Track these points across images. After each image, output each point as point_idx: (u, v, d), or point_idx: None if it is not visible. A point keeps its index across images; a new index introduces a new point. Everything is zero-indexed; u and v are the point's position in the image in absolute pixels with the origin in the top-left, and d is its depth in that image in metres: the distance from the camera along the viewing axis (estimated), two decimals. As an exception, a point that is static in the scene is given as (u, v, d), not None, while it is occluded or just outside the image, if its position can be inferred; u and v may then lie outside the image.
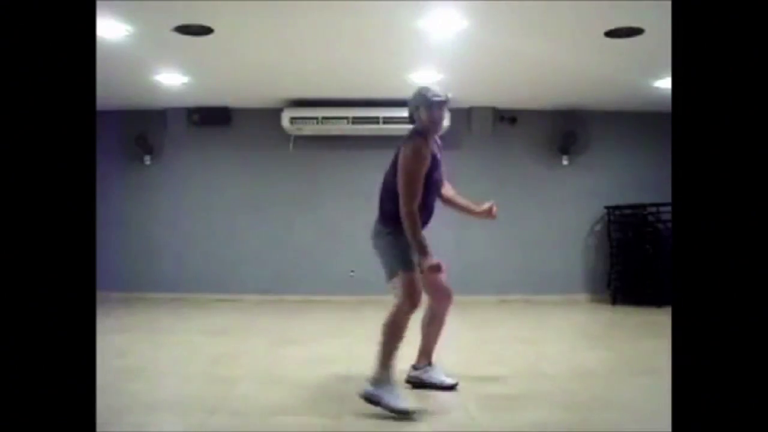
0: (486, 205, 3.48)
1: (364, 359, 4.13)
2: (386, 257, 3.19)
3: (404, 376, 3.43)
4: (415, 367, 3.47)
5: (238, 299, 7.11)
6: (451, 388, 3.40)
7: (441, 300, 3.36)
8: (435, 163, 3.18)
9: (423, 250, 3.02)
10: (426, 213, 3.18)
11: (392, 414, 2.93)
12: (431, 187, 3.20)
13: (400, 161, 3.11)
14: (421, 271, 3.10)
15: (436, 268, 3.03)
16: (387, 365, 3.03)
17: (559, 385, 3.55)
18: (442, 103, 3.22)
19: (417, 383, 3.44)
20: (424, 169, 3.09)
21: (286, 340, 4.98)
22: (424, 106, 3.19)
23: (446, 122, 3.29)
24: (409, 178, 3.05)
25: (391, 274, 3.14)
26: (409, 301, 3.04)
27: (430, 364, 3.47)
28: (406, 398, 3.04)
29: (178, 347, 4.73)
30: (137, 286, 7.16)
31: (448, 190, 3.48)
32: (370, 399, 3.00)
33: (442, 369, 3.49)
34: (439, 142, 3.35)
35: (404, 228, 3.05)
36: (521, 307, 6.81)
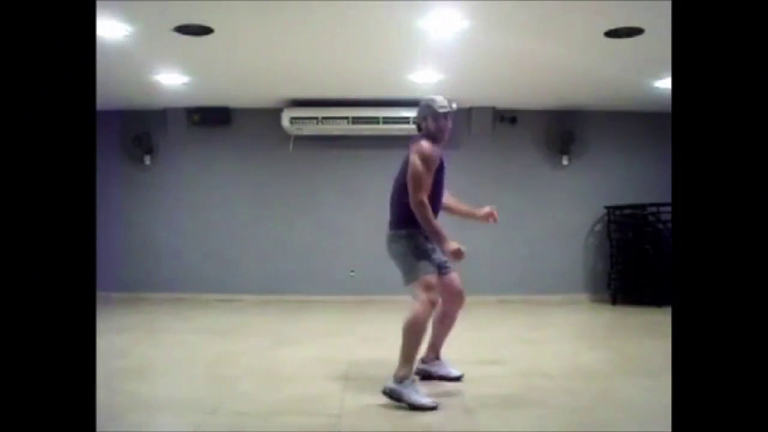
0: (486, 209, 3.59)
1: (365, 359, 4.15)
2: (405, 262, 3.26)
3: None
4: (423, 361, 3.59)
5: (238, 299, 7.11)
6: (457, 379, 3.55)
7: (453, 301, 3.47)
8: (442, 167, 3.30)
9: (440, 237, 3.15)
10: (435, 215, 3.25)
11: (413, 409, 3.02)
12: (437, 189, 3.29)
13: (410, 158, 3.22)
14: (441, 271, 3.29)
15: (458, 252, 3.11)
16: (410, 364, 3.14)
17: (559, 385, 3.55)
18: (448, 114, 3.34)
19: (425, 375, 3.56)
20: (432, 166, 3.19)
21: (286, 340, 4.98)
22: (432, 117, 3.32)
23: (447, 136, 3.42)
24: (416, 170, 3.17)
25: (409, 279, 3.23)
26: (429, 304, 3.16)
27: (437, 358, 3.62)
28: (425, 394, 3.12)
29: (178, 347, 4.72)
30: (137, 286, 7.17)
31: (448, 198, 3.55)
32: (392, 395, 3.08)
33: (449, 362, 3.64)
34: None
35: (418, 219, 3.14)
36: (521, 307, 6.81)
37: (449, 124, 3.36)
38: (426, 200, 3.14)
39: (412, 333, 3.12)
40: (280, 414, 3.02)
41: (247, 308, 6.72)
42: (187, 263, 7.30)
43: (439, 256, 3.33)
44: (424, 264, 3.20)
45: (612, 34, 4.55)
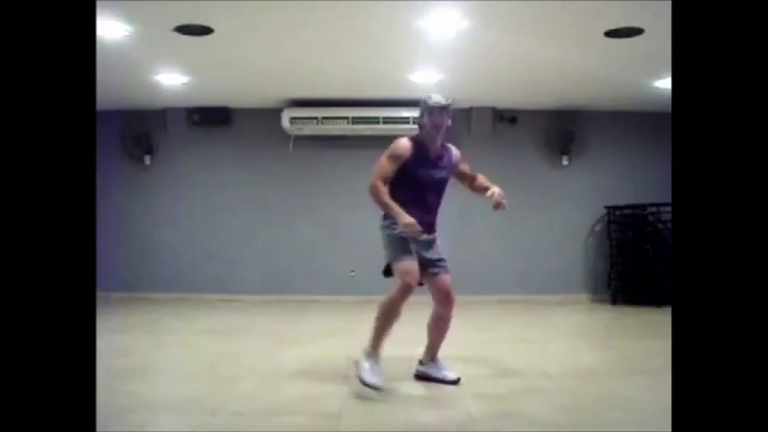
0: (489, 193, 3.53)
1: (364, 359, 4.13)
2: (385, 250, 3.45)
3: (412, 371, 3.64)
4: (421, 363, 3.62)
5: (238, 299, 7.11)
6: (453, 382, 3.51)
7: (442, 302, 3.49)
8: (419, 162, 3.38)
9: (393, 211, 3.29)
10: (415, 207, 3.33)
11: (362, 384, 3.28)
12: (414, 183, 3.39)
13: None
14: (431, 270, 3.40)
15: (411, 225, 3.22)
16: (376, 341, 3.37)
17: (559, 385, 3.55)
18: (441, 108, 3.39)
19: (423, 377, 3.59)
20: (395, 157, 3.38)
21: (286, 340, 4.98)
22: (427, 113, 3.40)
23: (441, 132, 3.45)
24: (380, 159, 3.41)
25: (386, 268, 3.44)
26: (402, 287, 3.29)
27: (433, 360, 3.61)
28: (378, 375, 3.31)
29: (178, 347, 4.72)
30: (137, 286, 7.16)
31: (479, 179, 3.66)
32: (356, 366, 3.39)
33: (445, 365, 3.60)
34: (452, 150, 3.58)
35: (373, 201, 3.39)
36: (521, 307, 6.81)
37: (444, 119, 3.39)
38: (379, 184, 3.35)
39: (383, 314, 3.35)
40: (280, 414, 3.02)
41: (247, 308, 6.72)
42: (187, 263, 7.29)
43: (430, 254, 3.42)
44: (399, 252, 3.34)
45: (612, 34, 4.55)
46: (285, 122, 6.88)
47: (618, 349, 4.69)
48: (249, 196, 7.39)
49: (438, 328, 3.55)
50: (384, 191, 3.34)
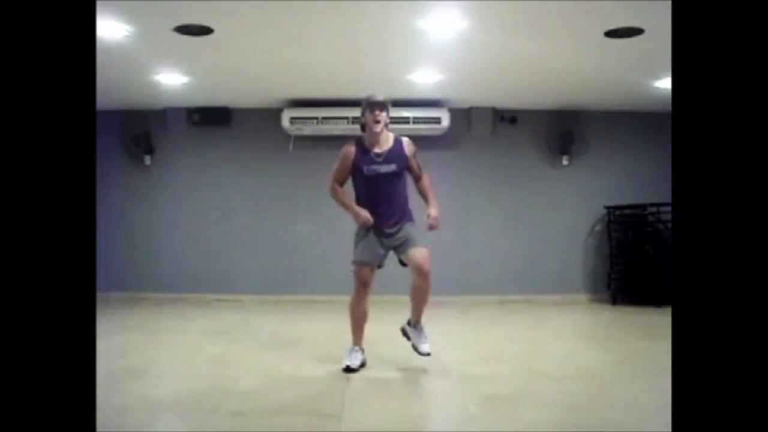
0: (427, 213, 3.71)
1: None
2: None
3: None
4: (408, 322, 3.92)
5: (238, 299, 7.11)
6: (422, 354, 3.77)
7: (415, 273, 3.67)
8: (363, 160, 3.68)
9: (348, 210, 3.73)
10: (371, 205, 3.67)
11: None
12: (363, 181, 3.72)
13: None
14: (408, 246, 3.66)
15: (364, 221, 3.61)
16: (353, 336, 3.86)
17: (559, 385, 3.55)
18: (374, 105, 3.67)
19: (404, 334, 3.95)
20: (342, 160, 3.78)
21: (286, 339, 4.99)
22: (365, 110, 3.71)
23: (377, 128, 3.71)
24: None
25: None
26: (356, 288, 3.74)
27: (416, 327, 3.87)
28: (354, 359, 3.78)
29: (178, 347, 4.72)
30: (137, 286, 7.16)
31: (424, 183, 3.83)
32: None
33: (426, 337, 3.85)
34: (404, 142, 3.78)
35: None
36: (521, 307, 6.81)
37: (377, 115, 3.64)
38: (334, 186, 3.83)
39: (350, 315, 3.84)
40: (280, 414, 3.02)
41: (247, 308, 6.72)
42: (187, 263, 7.29)
43: (395, 240, 3.66)
44: (355, 252, 3.73)
45: (612, 34, 4.55)
46: (285, 122, 6.88)
47: (618, 349, 4.69)
48: (249, 196, 7.39)
49: (416, 297, 3.77)
50: (339, 191, 3.81)
